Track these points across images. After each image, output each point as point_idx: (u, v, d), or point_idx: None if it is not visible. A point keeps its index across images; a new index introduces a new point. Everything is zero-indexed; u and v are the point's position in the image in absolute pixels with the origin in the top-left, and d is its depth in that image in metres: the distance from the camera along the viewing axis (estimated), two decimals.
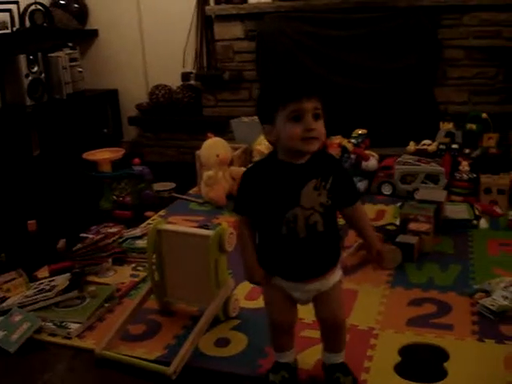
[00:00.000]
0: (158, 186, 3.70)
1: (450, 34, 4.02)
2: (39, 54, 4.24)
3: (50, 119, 4.21)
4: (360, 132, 3.78)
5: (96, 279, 2.53)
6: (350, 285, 2.34)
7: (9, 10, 4.12)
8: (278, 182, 1.56)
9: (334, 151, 3.65)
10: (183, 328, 2.12)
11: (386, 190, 3.46)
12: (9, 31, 4.10)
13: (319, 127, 1.52)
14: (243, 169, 3.50)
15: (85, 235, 2.93)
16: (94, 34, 4.98)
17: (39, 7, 4.33)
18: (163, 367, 1.85)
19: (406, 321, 2.09)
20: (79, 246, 2.66)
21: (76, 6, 4.84)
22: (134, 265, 2.68)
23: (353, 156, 3.57)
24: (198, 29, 4.62)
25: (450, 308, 2.17)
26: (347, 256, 2.49)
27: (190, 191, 3.73)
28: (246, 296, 2.30)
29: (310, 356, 1.87)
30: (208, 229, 2.67)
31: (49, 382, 1.90)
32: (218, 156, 3.39)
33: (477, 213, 2.97)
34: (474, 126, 3.69)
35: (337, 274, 1.68)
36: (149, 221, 3.18)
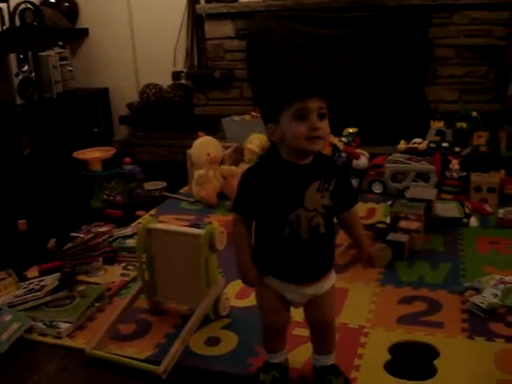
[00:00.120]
0: (149, 185, 3.70)
1: (440, 33, 4.05)
2: (29, 53, 4.22)
3: (41, 118, 4.20)
4: (351, 131, 3.79)
5: (86, 279, 2.52)
6: (341, 283, 2.33)
7: None
8: (281, 183, 1.54)
9: (325, 150, 3.66)
10: (173, 327, 2.11)
11: (377, 188, 3.47)
12: None
13: (324, 127, 1.51)
14: (234, 168, 3.52)
15: (75, 234, 2.92)
16: (85, 32, 4.97)
17: (29, 6, 4.31)
18: (153, 366, 1.85)
19: (397, 319, 2.09)
20: (69, 245, 2.65)
21: (66, 4, 4.84)
22: (124, 264, 2.68)
23: (343, 155, 3.57)
24: (189, 27, 4.62)
25: (440, 306, 2.17)
26: (338, 255, 2.49)
27: (181, 190, 3.73)
28: (237, 295, 2.30)
29: (300, 355, 1.87)
30: (199, 228, 2.66)
31: (39, 382, 1.89)
32: (208, 155, 3.39)
33: (467, 211, 2.97)
34: (464, 125, 3.70)
35: (332, 278, 1.68)
36: (139, 220, 3.18)
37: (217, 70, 4.46)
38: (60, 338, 2.09)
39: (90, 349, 1.97)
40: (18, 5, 4.24)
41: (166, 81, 4.70)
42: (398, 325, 2.05)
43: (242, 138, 3.74)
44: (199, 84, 4.59)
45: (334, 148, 3.62)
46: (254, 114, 4.09)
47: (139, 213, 3.31)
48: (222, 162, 3.52)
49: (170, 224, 2.90)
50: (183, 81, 4.68)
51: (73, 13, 4.89)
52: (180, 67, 4.73)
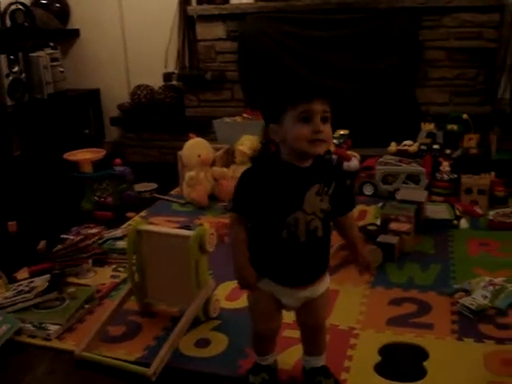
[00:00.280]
0: (140, 187, 3.69)
1: (430, 35, 4.06)
2: (20, 54, 4.21)
3: (31, 119, 4.19)
4: (342, 132, 3.81)
5: (76, 280, 2.51)
6: (331, 285, 2.27)
7: None
8: (281, 184, 1.53)
9: None
10: (163, 329, 2.10)
11: (368, 190, 3.47)
12: None
13: (327, 130, 1.50)
14: (225, 169, 3.52)
15: (65, 236, 2.91)
16: (76, 33, 4.97)
17: (20, 6, 4.30)
18: (143, 368, 1.84)
19: (387, 320, 2.09)
20: (59, 247, 2.64)
21: (57, 5, 4.83)
22: (114, 266, 2.67)
23: (334, 156, 3.58)
24: (180, 29, 4.62)
25: (430, 307, 2.17)
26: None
27: (172, 192, 3.73)
28: (227, 296, 2.30)
29: (290, 356, 1.87)
30: (190, 229, 2.65)
31: None
32: (199, 156, 3.38)
33: (457, 213, 2.98)
34: (454, 127, 3.72)
35: (326, 281, 1.67)
36: (130, 222, 3.17)
37: (208, 72, 4.46)
38: (49, 339, 2.08)
39: (79, 351, 1.96)
40: (9, 5, 4.23)
41: (157, 82, 4.69)
42: (388, 326, 2.05)
43: (233, 139, 3.74)
44: (190, 85, 4.59)
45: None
46: (245, 115, 4.10)
47: (130, 214, 3.30)
48: (213, 164, 3.52)
49: (161, 226, 2.90)
50: (174, 82, 4.68)
51: (64, 13, 4.88)
52: (171, 68, 4.73)
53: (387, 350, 1.92)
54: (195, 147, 3.42)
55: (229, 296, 2.30)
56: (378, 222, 2.80)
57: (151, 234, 2.13)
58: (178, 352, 1.95)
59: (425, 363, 1.83)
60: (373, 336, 2.00)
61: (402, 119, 4.07)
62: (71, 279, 2.52)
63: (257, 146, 3.58)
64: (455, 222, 2.93)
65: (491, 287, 2.20)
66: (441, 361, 1.84)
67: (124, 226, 3.09)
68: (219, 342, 2.00)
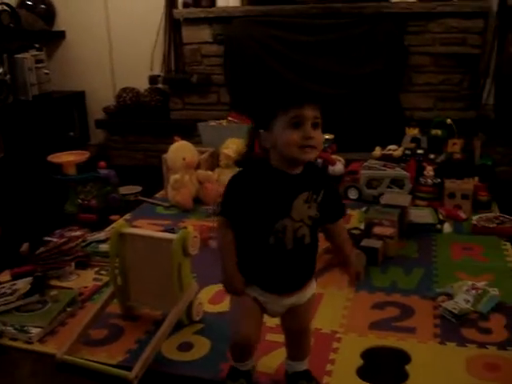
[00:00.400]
0: (124, 190, 3.68)
1: (416, 41, 4.08)
2: (4, 55, 4.16)
3: (15, 121, 4.16)
4: (327, 137, 3.81)
5: (58, 283, 2.49)
6: (315, 288, 2.34)
7: None
8: (270, 191, 1.51)
9: None
10: (146, 333, 2.09)
11: (352, 194, 3.48)
12: None
13: (318, 136, 1.48)
14: (210, 172, 3.51)
15: (49, 239, 2.90)
16: (61, 35, 4.95)
17: (5, 8, 4.29)
18: (125, 372, 1.83)
19: (369, 324, 2.10)
20: (42, 249, 2.63)
21: (43, 6, 4.82)
22: (97, 269, 2.65)
23: (319, 161, 3.58)
24: (166, 32, 4.62)
25: (413, 311, 2.18)
26: None
27: (157, 195, 3.72)
28: (210, 300, 2.29)
29: (272, 360, 1.87)
30: (174, 232, 2.64)
31: None
32: (184, 159, 3.38)
33: (441, 217, 3.00)
34: (439, 132, 3.74)
35: (313, 287, 1.66)
36: (113, 224, 3.15)
37: (194, 75, 4.45)
38: (31, 343, 2.07)
39: (61, 354, 1.94)
40: None
41: (142, 85, 4.67)
42: (371, 330, 2.06)
43: (218, 142, 3.73)
44: (176, 88, 4.58)
45: None
46: (230, 119, 4.09)
47: (113, 217, 3.29)
48: (197, 167, 3.51)
49: (145, 229, 2.89)
50: (160, 85, 4.67)
51: (50, 15, 4.86)
52: (157, 71, 4.71)
53: (370, 354, 1.92)
54: (180, 150, 3.42)
55: (212, 299, 2.30)
56: (362, 226, 2.80)
57: (134, 236, 2.12)
58: (161, 355, 1.94)
59: (407, 367, 1.84)
60: (355, 340, 2.01)
61: (386, 124, 4.08)
62: (53, 282, 2.50)
63: (242, 149, 3.57)
64: (439, 226, 2.94)
65: (474, 291, 2.21)
66: (423, 365, 1.85)
67: (108, 228, 3.07)
68: (202, 346, 2.00)
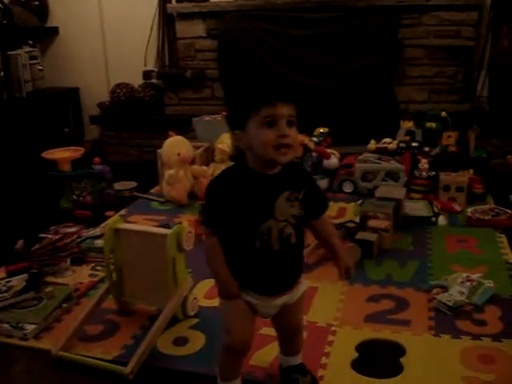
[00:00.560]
0: (119, 186, 3.68)
1: (410, 34, 4.08)
2: None
3: (10, 118, 4.15)
4: (322, 131, 3.81)
5: (54, 279, 2.49)
6: (309, 282, 2.32)
7: None
8: (250, 194, 1.47)
9: (297, 151, 3.66)
10: (141, 328, 2.10)
11: (347, 187, 3.48)
12: None
13: (293, 134, 1.45)
14: (205, 168, 3.51)
15: (44, 235, 2.89)
16: (55, 31, 4.93)
17: None
18: (120, 367, 1.84)
19: (364, 317, 2.10)
20: (37, 246, 2.63)
21: (36, 3, 4.80)
22: (93, 265, 2.65)
23: (314, 154, 3.59)
24: (160, 27, 4.61)
25: (408, 304, 2.19)
26: (306, 254, 2.48)
27: (152, 190, 3.72)
28: (205, 295, 2.30)
29: (267, 354, 1.87)
30: (169, 228, 2.64)
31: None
32: (179, 155, 3.37)
33: (436, 210, 3.00)
34: (433, 125, 3.74)
35: (303, 284, 1.65)
36: (108, 220, 3.15)
37: (188, 70, 4.44)
38: (26, 339, 2.07)
39: (56, 350, 1.95)
40: None
41: (136, 80, 4.66)
42: (366, 323, 2.07)
43: (212, 137, 3.73)
44: (170, 83, 4.57)
45: (305, 148, 3.64)
46: (225, 113, 4.09)
47: (108, 213, 3.29)
48: (192, 162, 3.51)
49: (140, 224, 2.89)
50: (154, 80, 4.66)
51: (43, 11, 4.85)
52: (151, 67, 4.70)
53: (364, 347, 1.93)
54: (175, 145, 3.41)
55: (207, 294, 2.30)
56: (357, 220, 2.81)
57: (128, 232, 2.12)
58: (156, 350, 1.95)
59: (401, 359, 1.85)
60: (350, 333, 2.01)
61: (381, 117, 4.08)
62: (49, 278, 2.50)
63: None
64: (433, 218, 2.95)
65: (468, 283, 2.21)
66: (417, 357, 1.86)
67: (103, 224, 3.06)
68: (197, 340, 2.00)
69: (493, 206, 3.09)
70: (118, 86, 4.66)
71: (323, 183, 3.52)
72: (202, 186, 3.34)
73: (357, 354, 1.88)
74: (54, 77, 4.90)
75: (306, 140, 3.65)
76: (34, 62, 4.50)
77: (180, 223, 2.13)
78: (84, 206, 3.39)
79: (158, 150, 3.53)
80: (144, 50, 4.67)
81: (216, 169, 3.45)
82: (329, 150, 3.63)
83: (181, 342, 2.01)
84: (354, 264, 2.41)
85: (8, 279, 2.43)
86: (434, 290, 2.24)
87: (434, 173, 3.30)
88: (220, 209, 1.49)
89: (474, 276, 2.27)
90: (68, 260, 2.61)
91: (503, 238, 2.75)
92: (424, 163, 3.36)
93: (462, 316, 2.08)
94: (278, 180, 1.50)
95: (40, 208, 3.55)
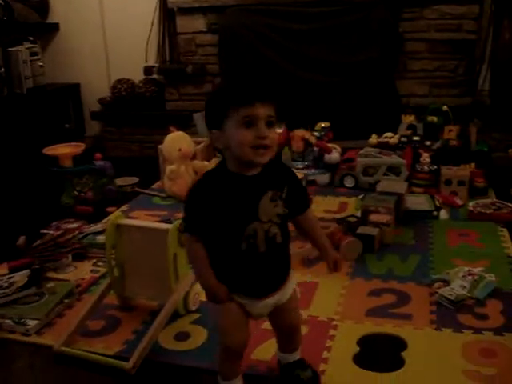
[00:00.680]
0: (121, 181, 3.68)
1: (411, 27, 4.07)
2: None
3: (10, 114, 4.15)
4: (323, 125, 3.81)
5: (55, 275, 2.49)
6: (311, 277, 2.35)
7: None
8: (232, 197, 1.44)
9: (298, 144, 3.68)
10: (143, 323, 2.10)
11: (349, 182, 3.48)
12: None
13: (272, 135, 1.42)
14: (206, 163, 3.51)
15: (45, 231, 2.90)
16: (55, 27, 4.93)
17: None
18: (122, 362, 1.84)
19: (366, 311, 2.10)
20: (38, 242, 2.63)
21: None
22: (94, 260, 2.66)
23: (316, 149, 3.59)
24: (161, 22, 4.60)
25: (409, 298, 2.18)
26: (307, 249, 2.48)
27: (153, 186, 3.72)
28: None
29: (269, 348, 1.86)
30: (170, 223, 2.64)
31: (7, 379, 1.87)
32: (180, 150, 3.37)
33: (437, 204, 3.00)
34: (434, 119, 3.73)
35: (292, 282, 1.63)
36: (110, 216, 3.15)
37: (189, 65, 4.44)
38: (28, 335, 2.07)
39: (58, 345, 1.95)
40: None
41: (137, 76, 4.66)
42: (367, 317, 2.06)
43: None
44: (171, 79, 4.57)
45: (307, 142, 3.64)
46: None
47: (110, 209, 3.29)
48: (193, 157, 3.51)
49: (141, 220, 2.89)
50: (155, 76, 4.65)
51: (43, 7, 4.84)
52: (152, 62, 4.70)
53: (366, 341, 1.93)
54: (176, 141, 3.41)
55: None
56: (359, 214, 2.80)
57: (130, 227, 2.12)
58: (158, 345, 1.95)
59: (403, 353, 1.84)
60: (352, 327, 2.01)
61: (382, 111, 4.07)
62: (50, 274, 2.50)
63: None
64: (435, 213, 2.95)
65: (470, 277, 2.21)
66: (419, 351, 1.85)
67: (104, 220, 3.06)
68: (199, 335, 2.00)
69: (494, 199, 3.09)
70: (119, 81, 4.66)
71: (324, 178, 3.52)
72: None
73: (358, 348, 1.88)
74: (55, 73, 4.90)
75: (307, 135, 3.65)
76: (35, 58, 4.50)
77: (181, 218, 2.13)
78: (85, 201, 3.39)
79: (159, 146, 3.53)
80: (145, 46, 4.67)
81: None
82: (330, 145, 3.63)
83: (182, 337, 2.01)
84: (355, 258, 2.47)
85: (10, 275, 2.43)
86: (436, 284, 2.23)
87: (435, 167, 3.30)
88: (202, 216, 1.46)
89: (476, 270, 2.27)
90: (69, 256, 2.62)
91: (505, 232, 2.75)
92: (425, 157, 3.36)
93: (464, 310, 2.08)
94: (259, 181, 1.47)
95: (41, 204, 3.56)
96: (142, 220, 2.87)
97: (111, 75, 4.85)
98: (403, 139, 3.59)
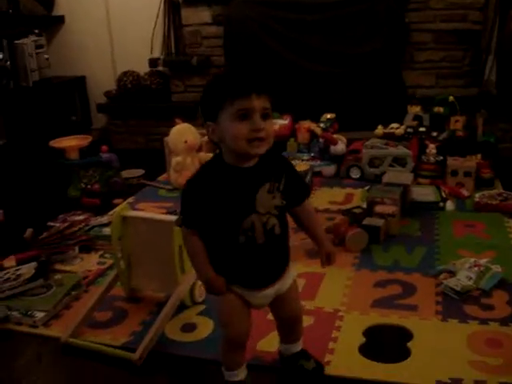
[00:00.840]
0: (127, 173, 3.69)
1: (417, 18, 4.06)
2: (4, 41, 4.17)
3: (17, 107, 4.16)
4: (329, 116, 3.81)
5: (62, 267, 2.51)
6: (316, 267, 2.34)
7: None
8: (229, 190, 1.43)
9: (303, 136, 3.68)
10: (149, 314, 2.11)
11: (355, 173, 3.48)
12: None
13: (268, 127, 1.41)
14: (212, 155, 3.50)
15: (52, 224, 2.91)
16: (61, 20, 4.93)
17: None
18: (129, 353, 1.85)
19: (371, 302, 2.10)
20: (45, 234, 2.64)
21: None
22: (101, 252, 2.67)
23: (321, 140, 3.59)
24: (166, 14, 4.60)
25: (415, 289, 2.19)
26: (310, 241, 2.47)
27: (159, 178, 3.73)
28: None
29: (274, 339, 1.85)
30: (176, 215, 2.65)
31: (15, 371, 1.88)
32: (186, 142, 3.37)
33: (443, 195, 3.00)
34: (441, 109, 3.72)
35: (291, 272, 1.63)
36: (116, 208, 3.16)
37: (194, 57, 4.43)
38: (36, 326, 2.08)
39: (65, 337, 1.96)
40: None
41: (143, 68, 4.66)
42: (373, 308, 2.07)
43: None
44: (176, 71, 4.57)
45: (312, 134, 3.64)
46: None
47: (117, 201, 3.30)
48: (199, 149, 3.51)
49: (147, 212, 2.90)
50: (160, 68, 4.66)
51: (49, 0, 4.84)
52: (157, 54, 4.69)
53: (372, 332, 1.93)
54: (181, 133, 3.41)
55: None
56: (365, 205, 2.80)
57: (136, 219, 2.13)
58: (164, 337, 1.96)
59: (409, 344, 1.85)
60: (358, 318, 2.01)
61: (388, 102, 4.06)
62: (58, 266, 2.52)
63: None
64: (441, 204, 2.94)
65: (476, 268, 2.21)
66: (425, 342, 1.86)
67: (111, 212, 3.06)
68: (205, 327, 2.01)
69: (501, 190, 3.08)
70: (125, 74, 4.66)
71: (330, 169, 3.52)
72: None
73: (364, 339, 1.89)
74: (61, 65, 4.90)
75: (313, 126, 3.65)
76: (41, 50, 4.51)
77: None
78: (92, 193, 3.41)
79: (165, 138, 3.54)
80: (150, 38, 4.66)
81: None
82: (336, 136, 3.63)
83: (189, 328, 2.02)
84: (360, 249, 2.46)
85: (17, 267, 2.44)
86: (442, 275, 2.23)
87: (441, 158, 3.29)
88: (199, 209, 1.46)
89: (482, 261, 2.26)
90: (76, 248, 2.63)
91: (511, 223, 2.74)
92: (431, 148, 3.35)
93: (470, 301, 2.08)
94: (256, 173, 1.47)
95: (48, 196, 3.57)
96: (148, 212, 2.88)
97: (117, 67, 4.86)
98: (409, 130, 3.58)
